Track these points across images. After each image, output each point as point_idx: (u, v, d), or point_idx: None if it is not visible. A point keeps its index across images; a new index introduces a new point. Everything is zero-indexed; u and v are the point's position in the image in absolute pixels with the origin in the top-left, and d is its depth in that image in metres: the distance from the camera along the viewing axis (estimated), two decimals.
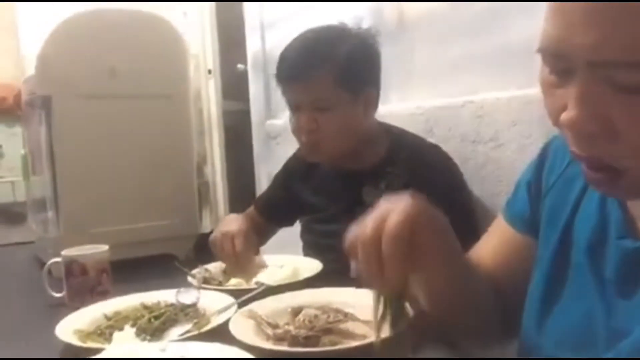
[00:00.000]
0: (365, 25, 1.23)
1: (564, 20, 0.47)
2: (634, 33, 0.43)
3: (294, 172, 1.41)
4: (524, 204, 0.74)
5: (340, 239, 1.21)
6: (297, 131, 1.23)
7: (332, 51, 1.17)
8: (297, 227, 1.44)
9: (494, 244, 0.78)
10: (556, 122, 0.52)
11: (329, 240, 1.27)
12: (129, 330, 0.89)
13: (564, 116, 0.49)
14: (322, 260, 1.22)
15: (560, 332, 0.63)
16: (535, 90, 1.11)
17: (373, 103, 1.23)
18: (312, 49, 1.19)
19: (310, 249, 1.35)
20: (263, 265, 1.25)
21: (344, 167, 1.27)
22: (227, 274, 1.23)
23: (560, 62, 0.50)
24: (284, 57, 1.22)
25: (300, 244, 1.41)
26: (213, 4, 2.93)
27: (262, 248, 1.39)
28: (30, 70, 1.57)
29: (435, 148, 1.24)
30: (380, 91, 1.24)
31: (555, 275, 0.66)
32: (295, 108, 1.22)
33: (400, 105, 1.44)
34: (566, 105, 0.49)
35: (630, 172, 0.50)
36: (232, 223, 1.29)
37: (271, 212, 1.44)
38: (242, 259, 1.22)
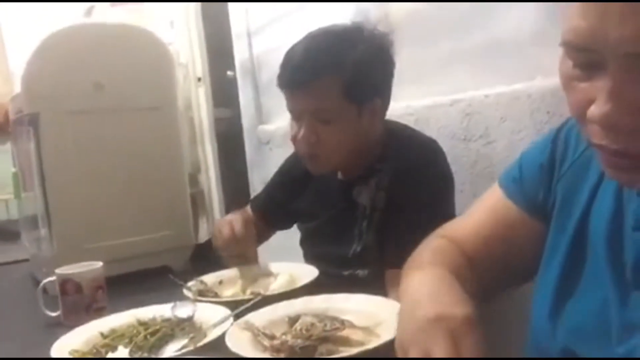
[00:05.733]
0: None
1: (597, 13, 0.46)
2: None
3: (290, 174, 1.38)
4: (535, 186, 0.72)
5: (336, 242, 1.21)
6: (296, 141, 1.15)
7: (340, 57, 1.06)
8: (296, 233, 1.42)
9: (489, 217, 0.76)
10: (580, 116, 0.51)
11: (326, 245, 1.26)
12: (122, 351, 0.88)
13: (594, 110, 0.48)
14: (320, 266, 1.21)
15: (575, 320, 0.63)
16: (523, 86, 1.12)
17: (379, 113, 1.15)
18: (318, 53, 1.07)
19: (311, 256, 1.33)
20: (263, 273, 1.23)
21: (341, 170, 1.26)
22: (227, 263, 1.23)
23: (587, 55, 0.49)
24: (287, 60, 1.12)
25: (300, 251, 1.39)
26: (199, 12, 2.92)
27: (260, 255, 1.38)
28: (19, 87, 1.56)
29: (427, 145, 1.16)
30: (389, 99, 1.17)
31: (572, 264, 0.66)
32: (296, 116, 1.13)
33: (390, 105, 1.43)
34: (592, 99, 0.48)
35: None
36: (232, 214, 1.29)
37: (266, 213, 1.40)
38: (242, 243, 1.20)
